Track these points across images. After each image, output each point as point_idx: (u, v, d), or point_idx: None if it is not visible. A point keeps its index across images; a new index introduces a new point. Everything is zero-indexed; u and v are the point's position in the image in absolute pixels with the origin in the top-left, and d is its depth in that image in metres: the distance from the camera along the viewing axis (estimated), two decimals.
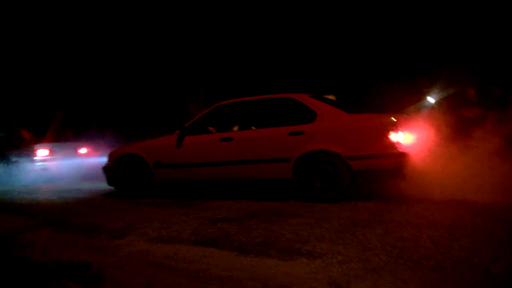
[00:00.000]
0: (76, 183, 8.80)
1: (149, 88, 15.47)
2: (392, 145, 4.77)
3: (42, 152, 10.21)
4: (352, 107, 5.59)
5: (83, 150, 11.17)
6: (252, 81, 14.47)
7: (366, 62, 13.17)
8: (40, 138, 10.66)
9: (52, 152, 10.16)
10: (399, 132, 4.80)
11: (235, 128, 5.97)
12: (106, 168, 6.60)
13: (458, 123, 6.26)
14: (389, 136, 4.77)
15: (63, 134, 10.21)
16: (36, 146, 10.24)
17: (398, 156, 4.76)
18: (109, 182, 6.56)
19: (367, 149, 4.86)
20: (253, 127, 5.76)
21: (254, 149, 5.45)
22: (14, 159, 10.28)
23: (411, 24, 12.16)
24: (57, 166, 10.00)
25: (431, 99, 9.40)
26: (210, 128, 6.14)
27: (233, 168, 5.58)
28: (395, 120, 4.83)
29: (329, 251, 3.03)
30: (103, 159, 7.77)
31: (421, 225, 3.62)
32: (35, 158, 10.20)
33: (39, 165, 10.10)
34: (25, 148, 10.40)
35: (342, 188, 4.95)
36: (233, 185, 5.71)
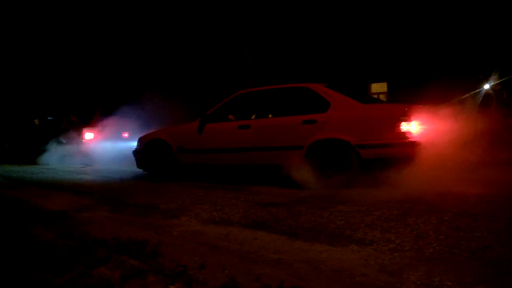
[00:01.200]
0: (120, 165, 9.20)
1: (200, 75, 15.75)
2: (403, 135, 4.82)
3: (89, 135, 10.77)
4: (369, 98, 5.70)
5: (126, 134, 11.62)
6: (300, 68, 14.38)
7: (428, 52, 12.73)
8: (87, 122, 11.17)
9: (98, 135, 10.64)
10: (411, 122, 4.83)
11: (253, 117, 6.11)
12: (135, 152, 7.06)
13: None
14: (400, 126, 4.83)
15: (109, 118, 10.63)
16: (83, 130, 10.80)
17: (408, 146, 4.79)
18: (138, 165, 7.01)
19: (377, 138, 4.94)
20: (270, 115, 5.92)
21: (269, 136, 5.69)
22: (63, 141, 11.10)
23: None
24: (103, 148, 10.47)
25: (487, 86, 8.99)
26: (230, 116, 6.38)
27: (250, 155, 5.82)
28: (407, 110, 4.88)
29: (380, 239, 3.00)
30: None
31: (477, 215, 3.49)
32: (82, 140, 10.79)
33: (86, 147, 10.67)
34: (73, 131, 11.02)
35: (351, 176, 5.05)
36: (249, 171, 5.94)
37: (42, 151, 11.38)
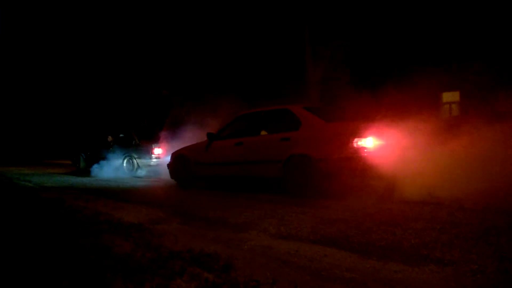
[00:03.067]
0: None
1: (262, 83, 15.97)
2: (357, 150, 5.43)
3: (157, 151, 11.63)
4: (338, 115, 6.41)
5: None
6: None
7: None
8: (153, 138, 11.93)
9: (165, 151, 11.26)
10: (366, 138, 5.40)
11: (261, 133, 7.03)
12: (168, 165, 8.53)
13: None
14: (354, 142, 5.45)
15: (174, 134, 11.23)
16: (153, 145, 11.64)
17: (360, 159, 5.34)
18: (171, 176, 8.42)
19: (335, 153, 5.59)
20: (263, 132, 6.88)
21: (257, 152, 6.67)
22: (135, 156, 12.13)
23: None
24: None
25: None
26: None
27: (243, 167, 6.84)
28: (362, 127, 5.45)
29: (461, 259, 2.84)
30: None
31: None
32: (152, 155, 11.68)
33: (155, 162, 11.58)
34: (143, 147, 11.97)
35: (316, 186, 5.82)
36: (249, 181, 6.99)
37: (117, 165, 12.22)
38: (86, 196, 6.96)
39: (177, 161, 8.20)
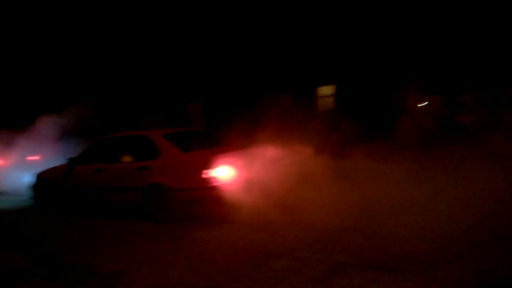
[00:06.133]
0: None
1: (147, 89, 15.35)
2: (207, 180, 5.73)
3: None
4: (196, 145, 6.66)
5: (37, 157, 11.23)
6: (249, 80, 14.44)
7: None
8: None
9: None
10: (216, 169, 5.72)
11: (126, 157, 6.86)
12: (32, 186, 8.12)
13: None
14: (204, 173, 5.75)
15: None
16: None
17: (213, 189, 5.67)
18: (34, 200, 8.12)
19: (189, 183, 5.90)
20: (125, 157, 6.79)
21: (118, 179, 6.69)
22: None
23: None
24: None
25: None
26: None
27: (109, 193, 6.83)
28: (212, 158, 5.77)
29: None
30: None
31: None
32: None
33: None
34: None
35: (173, 213, 6.09)
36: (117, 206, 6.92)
37: None
38: None
39: (42, 184, 7.90)
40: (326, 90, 15.81)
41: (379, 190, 5.97)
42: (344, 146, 6.46)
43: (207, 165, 5.77)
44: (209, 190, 5.71)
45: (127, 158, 6.75)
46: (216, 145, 6.87)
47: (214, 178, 5.72)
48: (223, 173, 5.75)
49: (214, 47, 13.91)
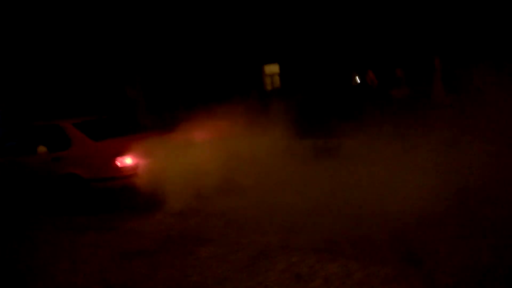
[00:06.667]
0: None
1: (85, 72, 14.56)
2: (119, 169, 5.71)
3: None
4: (108, 134, 6.44)
5: None
6: (187, 63, 14.09)
7: None
8: None
9: None
10: (126, 157, 5.69)
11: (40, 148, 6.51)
12: None
13: None
14: (115, 162, 5.70)
15: None
16: None
17: (126, 178, 5.67)
18: None
19: (102, 173, 5.82)
20: (41, 147, 6.36)
21: (34, 170, 6.43)
22: None
23: None
24: None
25: None
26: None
27: (25, 183, 6.62)
28: (121, 148, 5.75)
29: None
30: None
31: None
32: None
33: None
34: None
35: (91, 203, 5.95)
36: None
37: None
38: None
39: None
40: (272, 68, 15.76)
41: (325, 169, 5.74)
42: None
43: (118, 153, 5.72)
44: (123, 179, 5.67)
45: (44, 146, 6.41)
46: (133, 132, 6.67)
47: (125, 167, 5.68)
48: (135, 161, 5.71)
49: (151, 26, 13.38)
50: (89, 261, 4.17)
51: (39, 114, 12.00)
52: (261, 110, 6.68)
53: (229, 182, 5.57)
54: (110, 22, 13.34)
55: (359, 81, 10.78)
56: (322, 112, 8.58)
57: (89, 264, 4.10)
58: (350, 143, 6.27)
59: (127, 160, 5.68)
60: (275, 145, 5.93)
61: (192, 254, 4.03)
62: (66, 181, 6.06)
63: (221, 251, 4.02)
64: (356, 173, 5.37)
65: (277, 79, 15.36)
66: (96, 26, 13.50)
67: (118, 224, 5.33)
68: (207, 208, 5.39)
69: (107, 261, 4.14)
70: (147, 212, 5.60)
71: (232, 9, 13.73)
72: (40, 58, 14.28)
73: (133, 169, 5.67)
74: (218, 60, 14.15)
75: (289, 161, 5.98)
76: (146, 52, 13.53)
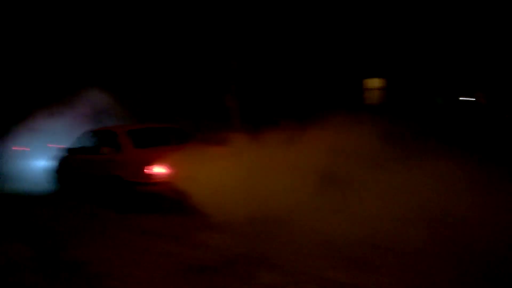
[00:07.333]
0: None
1: (185, 82, 15.21)
2: (148, 176, 6.26)
3: None
4: (154, 142, 7.10)
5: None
6: (282, 72, 14.01)
7: None
8: None
9: None
10: (155, 167, 6.22)
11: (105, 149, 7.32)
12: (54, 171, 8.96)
13: None
14: (145, 170, 6.27)
15: None
16: None
17: (154, 185, 6.18)
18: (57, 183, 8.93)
19: (136, 178, 6.40)
20: (105, 149, 7.20)
21: (94, 168, 7.37)
22: None
23: None
24: None
25: None
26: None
27: (89, 178, 7.54)
28: (153, 157, 6.32)
29: None
30: None
31: None
32: None
33: None
34: None
35: (128, 203, 6.59)
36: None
37: None
38: None
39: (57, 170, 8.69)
40: (374, 83, 15.01)
41: None
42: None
43: (147, 162, 6.28)
44: (151, 185, 6.19)
45: (106, 147, 7.22)
46: (179, 142, 7.09)
47: (154, 175, 6.21)
48: (160, 170, 6.18)
49: (250, 38, 13.62)
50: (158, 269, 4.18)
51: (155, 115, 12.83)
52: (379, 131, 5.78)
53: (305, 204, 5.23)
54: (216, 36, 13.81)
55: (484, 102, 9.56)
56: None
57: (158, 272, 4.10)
58: None
59: (157, 169, 6.21)
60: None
61: (256, 279, 3.80)
62: (113, 181, 6.79)
63: (286, 281, 3.73)
64: None
65: (376, 93, 14.58)
66: (202, 37, 14.07)
67: (189, 234, 5.32)
68: (278, 230, 5.09)
69: (174, 270, 4.11)
70: (216, 225, 5.42)
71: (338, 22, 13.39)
72: (159, 68, 15.12)
73: (163, 177, 6.11)
74: (317, 74, 13.86)
75: None
76: (243, 61, 13.72)
